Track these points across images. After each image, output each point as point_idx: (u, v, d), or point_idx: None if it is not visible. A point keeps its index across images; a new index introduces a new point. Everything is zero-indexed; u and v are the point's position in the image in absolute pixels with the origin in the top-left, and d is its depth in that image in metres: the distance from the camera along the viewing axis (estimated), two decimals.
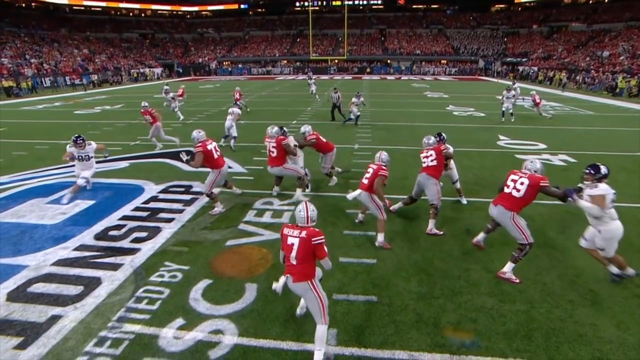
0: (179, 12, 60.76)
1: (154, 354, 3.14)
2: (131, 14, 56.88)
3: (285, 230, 3.15)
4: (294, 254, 3.06)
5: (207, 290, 4.01)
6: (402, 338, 3.31)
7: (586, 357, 3.09)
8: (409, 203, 5.74)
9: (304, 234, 3.05)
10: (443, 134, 5.93)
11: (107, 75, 37.69)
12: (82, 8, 51.41)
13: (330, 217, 5.82)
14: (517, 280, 4.06)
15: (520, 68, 39.90)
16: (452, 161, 6.10)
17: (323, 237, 3.06)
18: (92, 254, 4.76)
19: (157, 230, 5.41)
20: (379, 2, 57.69)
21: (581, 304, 3.75)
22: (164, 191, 6.96)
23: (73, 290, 4.02)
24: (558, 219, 5.72)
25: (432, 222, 5.26)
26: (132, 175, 7.90)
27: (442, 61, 47.84)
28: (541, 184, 3.98)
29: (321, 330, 3.03)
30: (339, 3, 55.86)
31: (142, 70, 42.89)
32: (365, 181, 4.96)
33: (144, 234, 5.28)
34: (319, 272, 3.30)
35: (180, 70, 48.91)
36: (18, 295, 3.95)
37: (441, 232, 5.24)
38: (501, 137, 11.29)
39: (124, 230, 5.43)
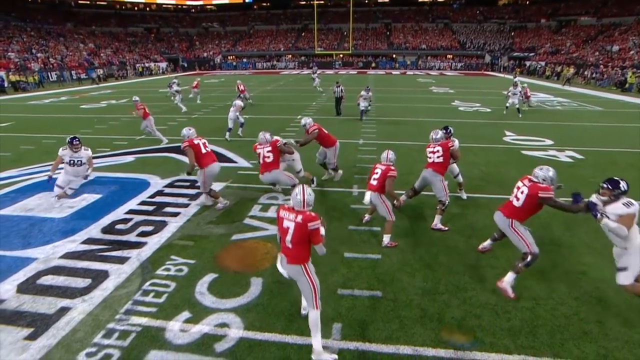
0: (184, 6, 60.60)
1: (160, 347, 3.19)
2: (136, 8, 56.83)
3: (282, 213, 3.14)
4: (289, 237, 3.06)
5: (213, 284, 4.05)
6: (406, 333, 3.33)
7: (591, 355, 3.08)
8: (412, 196, 5.69)
9: (299, 218, 3.02)
10: (450, 128, 5.89)
11: (112, 69, 37.79)
12: (88, 2, 51.54)
13: (335, 212, 5.83)
14: (513, 296, 3.76)
15: (527, 63, 39.38)
16: None
17: (319, 221, 3.04)
18: (99, 247, 4.82)
19: (163, 224, 5.45)
20: None
21: (587, 302, 3.74)
22: (169, 185, 7.00)
23: (81, 282, 4.08)
24: (564, 216, 5.66)
25: (438, 217, 5.26)
26: (138, 170, 7.96)
27: (448, 56, 47.34)
28: (540, 195, 3.65)
29: (313, 315, 3.08)
30: None
31: (147, 65, 42.96)
32: (374, 182, 4.87)
33: (150, 228, 5.33)
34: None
35: (185, 65, 48.91)
36: (28, 287, 4.02)
37: (446, 228, 5.23)
38: (507, 133, 11.20)
39: (130, 224, 5.48)
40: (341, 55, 49.27)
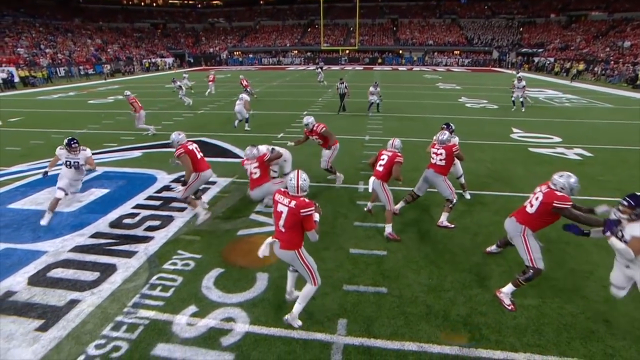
0: (190, 2, 60.57)
1: (168, 340, 3.23)
2: (143, 4, 56.94)
3: (277, 196, 3.20)
4: (282, 222, 3.12)
5: (219, 278, 4.09)
6: (411, 329, 3.33)
7: (598, 354, 3.07)
8: (411, 201, 5.52)
9: (293, 203, 3.05)
10: (451, 125, 5.84)
11: (119, 65, 37.99)
12: None
13: (341, 208, 5.83)
14: (510, 307, 3.57)
15: (536, 59, 38.87)
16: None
17: (313, 208, 3.07)
18: (107, 241, 4.88)
19: (170, 219, 5.50)
20: None
21: (594, 300, 3.71)
22: (176, 180, 7.05)
23: (90, 276, 4.14)
24: None
25: (445, 215, 5.24)
26: (145, 165, 8.02)
27: (455, 52, 46.88)
28: (555, 204, 3.34)
29: (308, 288, 3.27)
30: None
31: (153, 60, 43.12)
32: (380, 168, 4.97)
33: (157, 223, 5.38)
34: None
35: (192, 60, 48.98)
36: (39, 279, 4.09)
37: (452, 225, 5.21)
38: (515, 130, 11.09)
39: (137, 218, 5.54)
40: (347, 51, 49.02)
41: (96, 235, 5.06)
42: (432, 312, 3.55)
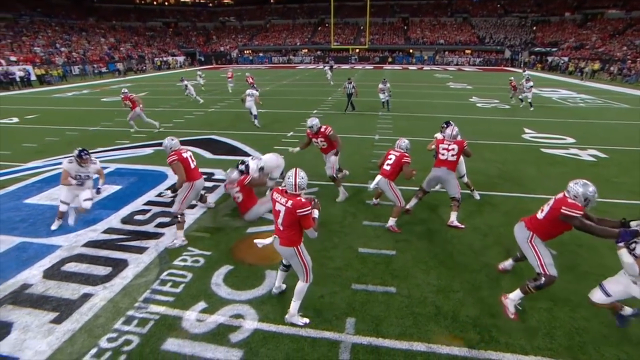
0: (202, 1, 61.07)
1: (177, 335, 3.27)
2: (155, 3, 57.61)
3: (275, 195, 3.24)
4: (280, 220, 3.16)
5: (229, 275, 4.13)
6: (420, 330, 3.32)
7: (611, 359, 3.01)
8: (422, 196, 5.49)
9: (290, 203, 3.08)
10: (452, 123, 5.76)
11: (131, 63, 38.52)
12: None
13: (350, 207, 5.83)
14: (513, 316, 3.43)
15: (550, 58, 38.17)
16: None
17: (309, 208, 3.08)
18: (119, 237, 4.97)
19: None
20: None
21: None
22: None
23: (102, 270, 4.22)
24: None
25: (454, 214, 5.20)
26: (156, 162, 8.12)
27: (466, 51, 46.33)
28: (562, 211, 3.09)
29: (301, 285, 3.35)
30: None
31: (165, 59, 43.61)
32: (387, 167, 5.02)
33: (167, 219, 5.44)
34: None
35: (202, 59, 49.39)
36: (53, 273, 4.18)
37: (462, 226, 5.17)
38: (527, 130, 10.93)
39: (148, 215, 5.62)
40: (357, 50, 48.85)
41: (108, 230, 5.15)
42: (441, 313, 3.53)
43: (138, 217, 5.57)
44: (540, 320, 3.43)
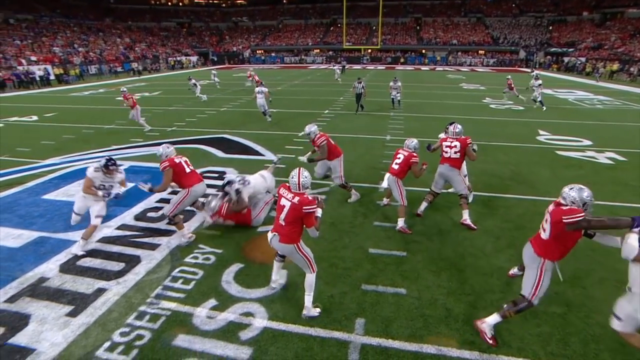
0: (215, 1, 61.73)
1: (188, 331, 3.31)
2: (169, 3, 58.50)
3: (281, 190, 3.28)
4: (283, 215, 3.18)
5: (239, 273, 4.16)
6: (430, 332, 3.29)
7: None
8: (432, 200, 5.49)
9: (296, 199, 3.11)
10: (455, 122, 5.68)
11: (146, 63, 39.17)
12: None
13: (361, 207, 5.81)
14: (492, 342, 3.16)
15: (566, 59, 37.37)
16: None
17: (315, 206, 3.11)
18: (132, 234, 5.06)
19: (192, 213, 5.63)
20: None
21: None
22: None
23: (116, 266, 4.30)
24: None
25: (465, 212, 5.18)
26: None
27: (480, 52, 45.70)
28: (566, 221, 2.81)
29: (310, 277, 3.39)
30: None
31: (178, 59, 44.21)
32: (395, 166, 5.07)
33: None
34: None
35: (215, 59, 49.89)
36: (69, 267, 4.28)
37: (475, 227, 5.11)
38: (541, 132, 10.72)
39: (161, 212, 5.70)
40: (369, 51, 48.67)
41: (122, 227, 5.25)
42: (452, 315, 3.49)
43: (151, 214, 5.66)
44: (554, 326, 3.36)
